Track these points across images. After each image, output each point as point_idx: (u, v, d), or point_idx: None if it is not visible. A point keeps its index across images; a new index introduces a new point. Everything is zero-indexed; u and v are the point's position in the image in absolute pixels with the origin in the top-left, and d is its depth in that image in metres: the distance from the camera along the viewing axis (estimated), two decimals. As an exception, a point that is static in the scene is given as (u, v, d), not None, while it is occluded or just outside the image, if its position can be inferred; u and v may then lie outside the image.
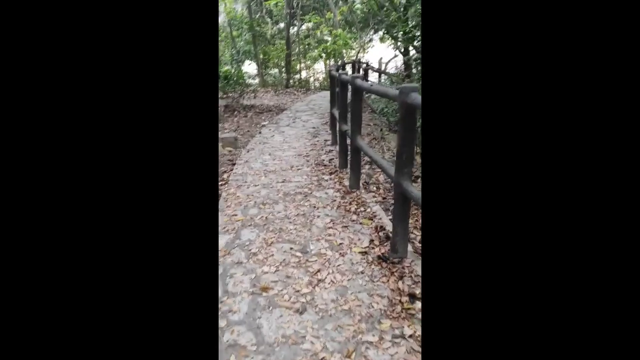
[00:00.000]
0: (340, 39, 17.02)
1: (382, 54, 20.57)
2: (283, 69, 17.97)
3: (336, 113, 5.53)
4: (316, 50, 19.13)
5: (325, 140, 6.21)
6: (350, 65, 13.02)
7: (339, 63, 12.57)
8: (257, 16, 17.95)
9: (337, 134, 5.08)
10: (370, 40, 20.38)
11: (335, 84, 5.85)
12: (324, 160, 5.11)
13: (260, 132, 7.16)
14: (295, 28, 18.73)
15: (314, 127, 7.44)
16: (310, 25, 21.13)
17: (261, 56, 17.34)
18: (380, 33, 23.27)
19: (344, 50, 17.39)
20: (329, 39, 19.57)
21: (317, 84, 17.76)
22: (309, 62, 18.50)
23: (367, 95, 9.35)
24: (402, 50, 10.13)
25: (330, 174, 4.47)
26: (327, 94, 14.15)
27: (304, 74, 18.29)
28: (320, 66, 19.56)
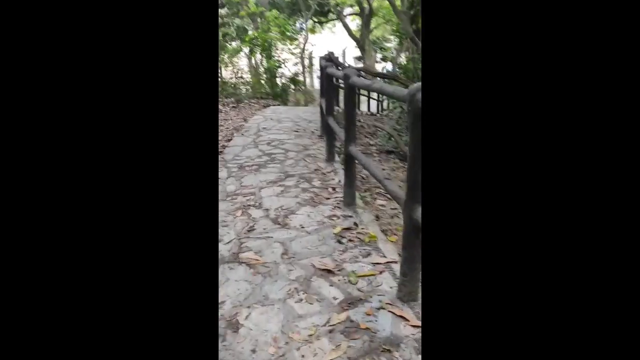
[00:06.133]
0: (275, 25, 12.44)
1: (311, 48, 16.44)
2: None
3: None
4: (236, 42, 14.26)
5: None
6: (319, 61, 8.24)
7: (326, 54, 7.66)
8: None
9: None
10: (302, 29, 16.09)
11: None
12: None
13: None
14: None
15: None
16: (223, 11, 16.16)
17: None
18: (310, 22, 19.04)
19: (278, 42, 12.79)
20: (249, 27, 14.90)
21: (244, 89, 12.62)
22: (226, 58, 13.34)
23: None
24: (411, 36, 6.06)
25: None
26: (282, 109, 8.99)
27: (225, 73, 13.06)
28: (243, 63, 14.64)
